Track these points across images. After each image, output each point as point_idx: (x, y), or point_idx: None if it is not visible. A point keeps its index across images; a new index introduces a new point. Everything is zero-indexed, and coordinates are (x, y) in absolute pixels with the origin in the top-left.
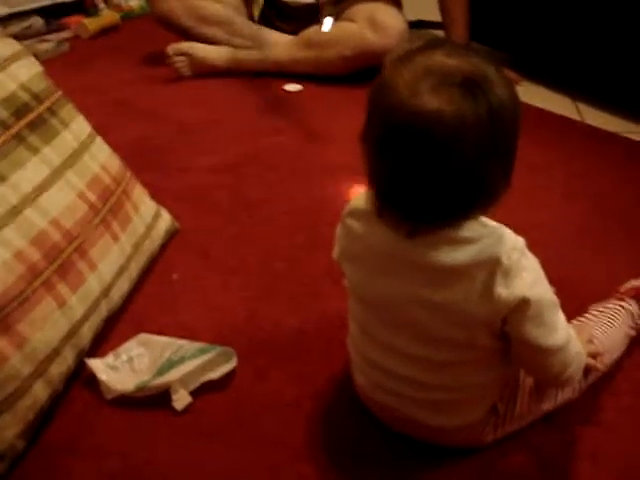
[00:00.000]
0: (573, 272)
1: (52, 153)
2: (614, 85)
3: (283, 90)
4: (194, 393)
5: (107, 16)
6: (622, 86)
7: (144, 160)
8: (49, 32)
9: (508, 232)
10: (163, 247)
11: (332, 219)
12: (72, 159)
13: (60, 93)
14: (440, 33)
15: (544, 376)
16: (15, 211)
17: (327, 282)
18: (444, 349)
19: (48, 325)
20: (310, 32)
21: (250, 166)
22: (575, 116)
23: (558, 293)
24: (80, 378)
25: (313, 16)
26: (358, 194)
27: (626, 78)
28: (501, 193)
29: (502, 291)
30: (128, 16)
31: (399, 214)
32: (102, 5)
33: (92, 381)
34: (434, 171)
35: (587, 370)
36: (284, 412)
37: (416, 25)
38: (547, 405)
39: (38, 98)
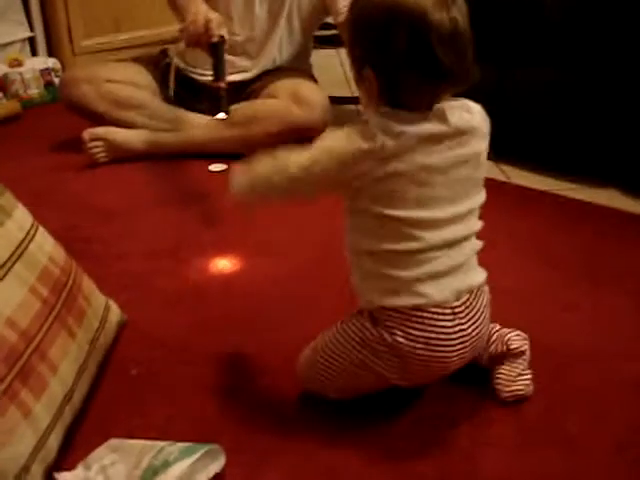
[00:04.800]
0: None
1: None
2: (536, 145)
3: (208, 171)
4: None
5: (7, 105)
6: (545, 145)
7: (75, 251)
8: None
9: None
10: (114, 341)
11: (288, 297)
12: (19, 251)
13: None
14: (355, 107)
15: None
16: None
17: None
18: (479, 192)
19: (15, 439)
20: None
21: (187, 250)
22: (501, 177)
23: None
24: None
25: (231, 96)
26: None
27: (548, 138)
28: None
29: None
30: (28, 105)
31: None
32: (0, 94)
33: None
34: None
35: None
36: None
37: (333, 100)
38: None
39: None
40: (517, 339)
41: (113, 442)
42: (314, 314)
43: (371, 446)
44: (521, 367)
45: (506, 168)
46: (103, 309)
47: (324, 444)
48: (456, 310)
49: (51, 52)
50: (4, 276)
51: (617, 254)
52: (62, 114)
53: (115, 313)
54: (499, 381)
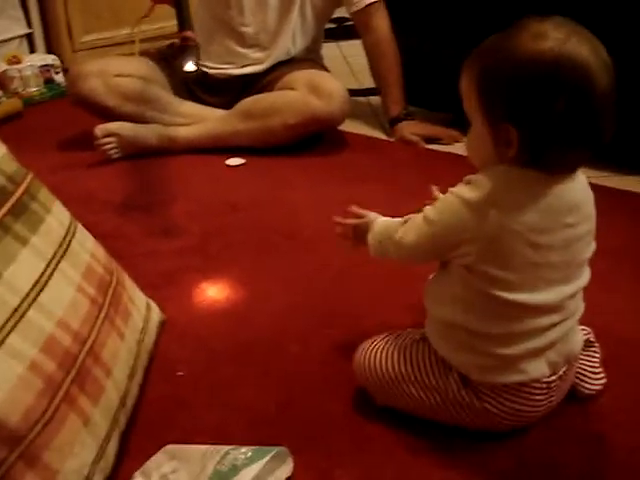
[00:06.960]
0: None
1: (42, 243)
2: None
3: (226, 165)
4: None
5: (9, 103)
6: None
7: None
8: None
9: None
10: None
11: (331, 289)
12: (62, 248)
13: (32, 174)
14: (374, 99)
15: None
16: (17, 314)
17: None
18: (586, 271)
19: (77, 449)
20: (247, 103)
21: (216, 245)
22: None
23: None
24: None
25: (242, 87)
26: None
27: None
28: None
29: None
30: (29, 102)
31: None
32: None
33: None
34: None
35: None
36: None
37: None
38: None
39: (13, 180)
40: (583, 331)
41: (170, 448)
42: (371, 307)
43: (445, 446)
44: (596, 361)
45: None
46: (145, 308)
47: (398, 443)
48: (552, 385)
49: (50, 48)
50: (51, 274)
51: None
52: (64, 111)
53: (156, 312)
54: (579, 377)
